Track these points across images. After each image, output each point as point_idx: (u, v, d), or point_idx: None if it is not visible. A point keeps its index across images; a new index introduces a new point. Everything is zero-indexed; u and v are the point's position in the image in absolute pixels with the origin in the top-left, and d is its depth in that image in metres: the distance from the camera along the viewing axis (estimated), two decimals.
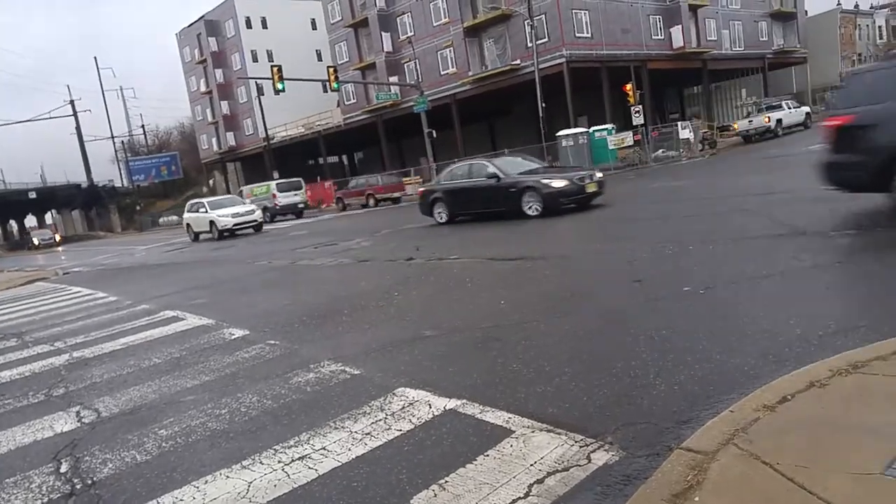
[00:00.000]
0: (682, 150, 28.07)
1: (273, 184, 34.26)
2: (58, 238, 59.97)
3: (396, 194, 32.39)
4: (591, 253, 7.69)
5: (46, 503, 3.10)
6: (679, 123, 30.22)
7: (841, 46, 57.75)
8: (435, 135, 35.15)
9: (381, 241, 13.72)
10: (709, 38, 42.29)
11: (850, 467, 2.24)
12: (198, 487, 2.99)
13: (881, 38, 66.07)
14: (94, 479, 3.29)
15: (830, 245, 6.00)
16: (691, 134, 29.11)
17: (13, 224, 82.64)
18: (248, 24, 60.93)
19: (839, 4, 60.09)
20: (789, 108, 32.51)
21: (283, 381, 4.42)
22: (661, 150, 28.60)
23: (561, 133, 28.89)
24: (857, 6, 63.90)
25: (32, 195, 63.57)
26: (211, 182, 71.75)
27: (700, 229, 8.40)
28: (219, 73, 62.94)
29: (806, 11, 53.30)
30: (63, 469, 3.47)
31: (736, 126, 33.38)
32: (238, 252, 17.14)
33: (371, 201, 31.62)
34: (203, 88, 65.98)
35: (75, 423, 4.20)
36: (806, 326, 3.93)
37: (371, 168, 48.97)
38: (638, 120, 29.05)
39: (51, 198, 67.77)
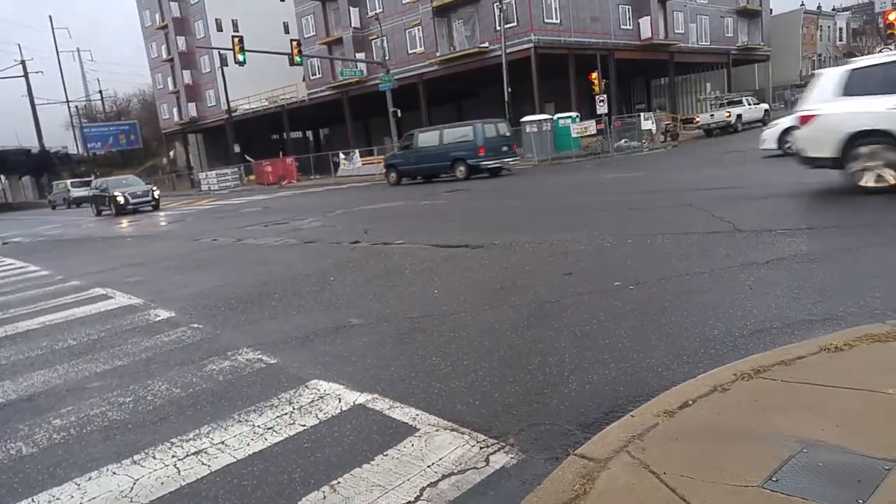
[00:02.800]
0: (644, 141, 28.37)
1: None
2: None
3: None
4: (529, 243, 7.65)
5: None
6: (642, 115, 30.49)
7: (802, 46, 59.17)
8: (400, 114, 34.71)
9: (332, 221, 13.49)
10: (676, 31, 42.73)
11: (731, 478, 2.23)
12: (79, 485, 2.84)
13: (841, 39, 67.93)
14: None
15: (764, 244, 6.07)
16: (654, 125, 29.44)
17: None
18: None
19: (802, 5, 61.42)
20: (749, 104, 33.37)
21: (196, 369, 4.26)
22: (623, 140, 28.85)
23: (525, 119, 28.85)
24: (819, 7, 65.42)
25: None
26: (171, 153, 69.78)
27: (642, 223, 8.47)
28: (181, 40, 60.83)
29: (771, 10, 54.24)
30: None
31: (698, 119, 33.91)
32: (185, 228, 16.70)
33: None
34: (164, 56, 63.76)
35: None
36: (724, 327, 3.95)
37: (336, 146, 48.20)
38: (602, 109, 29.20)
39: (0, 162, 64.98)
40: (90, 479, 2.89)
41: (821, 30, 64.48)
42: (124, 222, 22.23)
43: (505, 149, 22.88)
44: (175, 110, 63.95)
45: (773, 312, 4.11)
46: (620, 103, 41.01)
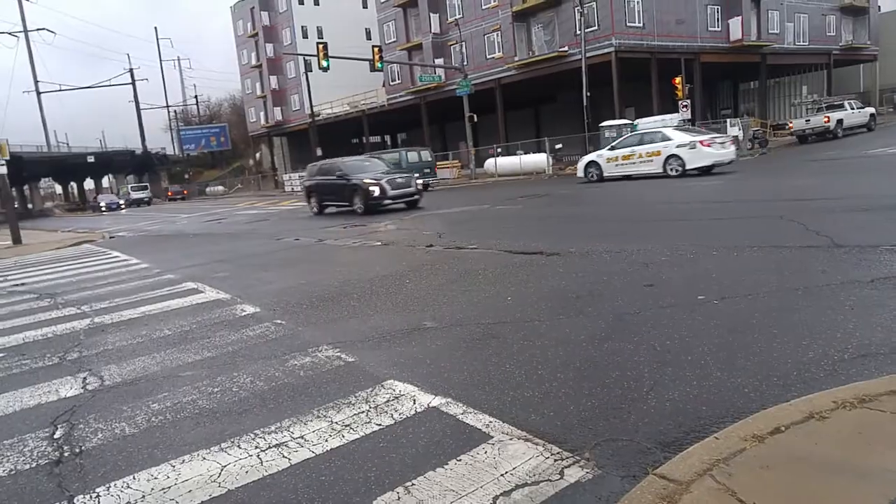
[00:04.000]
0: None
1: None
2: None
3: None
4: (608, 252, 7.47)
5: (34, 468, 3.18)
6: (728, 120, 29.17)
7: None
8: (476, 119, 34.81)
9: (407, 224, 13.71)
10: (770, 31, 40.42)
11: None
12: (174, 466, 3.03)
13: None
14: (82, 448, 3.38)
15: (868, 261, 5.66)
16: (740, 132, 28.06)
17: (73, 186, 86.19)
18: (301, 0, 61.41)
19: None
20: (852, 108, 30.64)
21: (279, 364, 4.44)
22: None
23: (604, 124, 28.27)
24: None
25: (91, 159, 66.14)
26: (258, 155, 73.03)
27: (727, 234, 8.09)
28: (269, 47, 63.77)
29: (879, 7, 50.27)
30: (57, 435, 3.58)
31: (791, 125, 31.92)
32: (269, 227, 17.43)
33: None
34: (253, 62, 67.01)
35: (79, 390, 4.34)
36: (820, 349, 3.71)
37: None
38: (685, 114, 28.16)
39: (108, 163, 70.38)
40: (183, 461, 3.07)
41: None
42: (214, 220, 23.46)
43: (427, 170, 28.94)
44: (262, 114, 67.00)
45: (880, 336, 3.80)
46: (705, 108, 39.42)
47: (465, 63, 36.29)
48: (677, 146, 18.70)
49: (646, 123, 26.07)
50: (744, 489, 2.27)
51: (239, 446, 3.16)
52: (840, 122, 29.49)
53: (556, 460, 2.74)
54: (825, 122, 29.38)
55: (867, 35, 48.05)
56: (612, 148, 20.89)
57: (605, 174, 20.68)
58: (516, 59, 36.88)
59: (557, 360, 3.98)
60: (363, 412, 3.44)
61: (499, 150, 33.99)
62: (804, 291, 4.96)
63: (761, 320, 4.35)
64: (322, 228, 14.80)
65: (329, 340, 4.89)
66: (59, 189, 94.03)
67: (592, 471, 2.64)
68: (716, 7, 37.37)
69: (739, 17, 37.20)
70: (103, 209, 51.88)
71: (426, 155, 30.69)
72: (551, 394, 3.48)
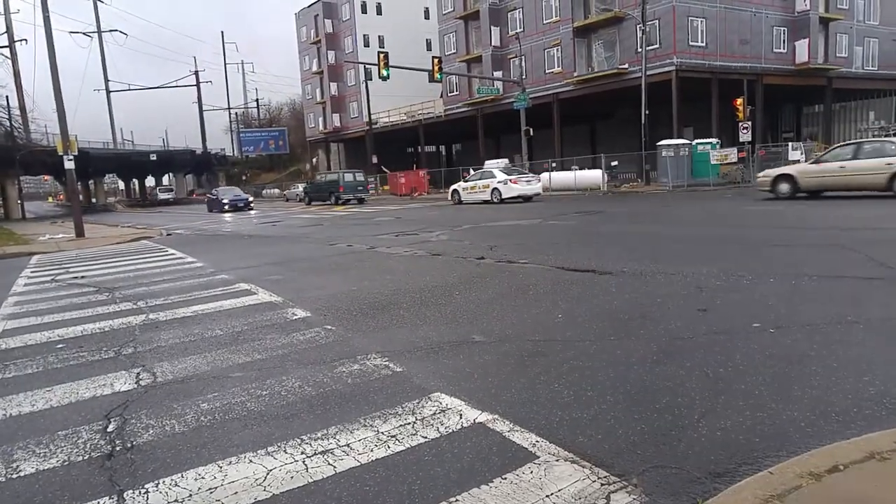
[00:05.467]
0: None
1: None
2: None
3: None
4: (662, 273, 7.32)
5: (87, 460, 3.29)
6: (790, 144, 28.26)
7: None
8: (532, 133, 34.76)
9: (459, 235, 13.76)
10: (838, 55, 39.16)
11: None
12: (221, 467, 3.09)
13: None
14: (134, 442, 3.47)
15: None
16: (802, 156, 27.12)
17: (135, 182, 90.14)
18: (364, 9, 62.89)
19: None
20: None
21: (327, 370, 4.52)
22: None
23: (662, 143, 27.79)
24: None
25: (153, 157, 69.04)
26: (314, 160, 74.83)
27: (785, 260, 7.82)
28: (331, 54, 65.43)
29: None
30: (110, 428, 3.69)
31: None
32: (322, 232, 17.79)
33: None
34: (315, 68, 68.82)
35: (133, 385, 4.48)
36: (882, 386, 3.55)
37: (467, 161, 49.21)
38: (745, 136, 27.41)
39: (169, 161, 73.38)
40: (230, 463, 3.13)
41: None
42: (269, 222, 24.12)
43: (360, 188, 37.59)
44: (320, 119, 68.71)
45: None
46: (766, 131, 38.22)
47: (523, 77, 36.31)
48: (498, 182, 25.92)
49: (488, 165, 33.27)
50: None
51: (285, 451, 3.21)
52: None
53: (602, 484, 2.71)
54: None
55: None
56: (467, 181, 28.66)
57: (463, 199, 27.88)
58: (575, 74, 36.74)
59: (607, 382, 3.93)
60: (409, 423, 3.47)
61: (553, 164, 33.81)
62: (865, 325, 4.76)
63: (819, 352, 4.20)
64: (374, 236, 15.01)
65: (378, 349, 4.95)
66: (121, 185, 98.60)
67: (640, 497, 2.59)
68: (782, 29, 36.41)
69: (806, 40, 36.13)
70: (226, 206, 37.73)
71: (360, 177, 39.12)
72: (600, 416, 3.43)
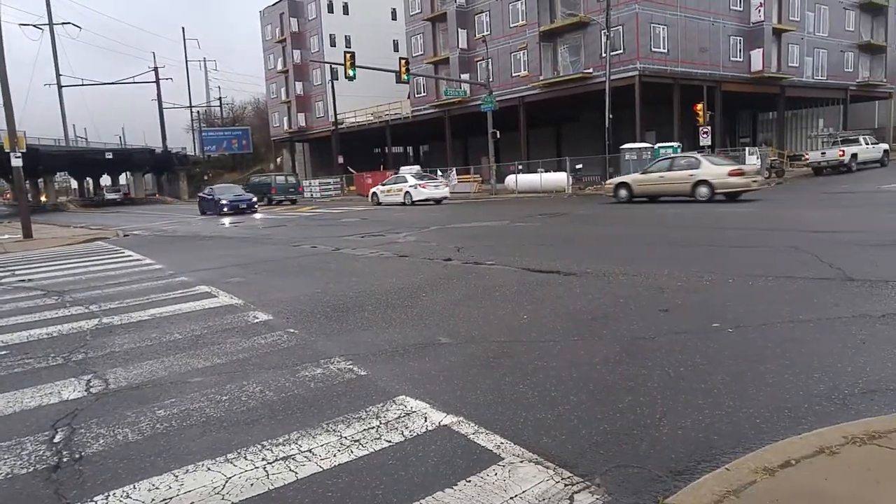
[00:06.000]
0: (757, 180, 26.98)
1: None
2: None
3: None
4: (624, 274, 7.44)
5: (31, 473, 3.13)
6: (747, 149, 29.13)
7: None
8: (499, 135, 34.96)
9: (426, 237, 13.73)
10: (790, 65, 40.67)
11: None
12: (177, 477, 2.99)
13: None
14: (83, 453, 3.33)
15: (879, 295, 5.60)
16: (758, 161, 27.98)
17: (89, 181, 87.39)
18: (330, 9, 62.31)
19: None
20: (867, 143, 31.06)
21: (290, 374, 4.44)
22: None
23: (625, 146, 28.25)
24: None
25: (109, 156, 66.95)
26: (279, 160, 73.84)
27: (742, 262, 8.04)
28: (297, 53, 64.63)
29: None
30: (57, 439, 3.53)
31: (807, 156, 31.92)
32: (286, 233, 17.56)
33: None
34: (280, 67, 67.92)
35: (83, 392, 4.30)
36: (831, 382, 3.68)
37: (435, 162, 49.22)
38: (705, 141, 28.11)
39: (126, 160, 71.32)
40: (187, 472, 3.02)
41: None
42: (227, 222, 23.70)
43: (291, 190, 40.88)
44: (285, 119, 67.80)
45: (890, 372, 3.78)
46: (724, 136, 39.30)
47: (490, 79, 36.49)
48: (410, 186, 29.02)
49: (403, 171, 35.43)
50: None
51: (245, 458, 3.13)
52: (854, 156, 29.64)
53: (566, 485, 2.72)
54: (840, 156, 29.48)
55: (884, 73, 48.24)
56: (384, 185, 31.68)
57: (381, 201, 30.74)
58: (541, 78, 37.06)
59: (570, 383, 3.96)
60: (373, 427, 3.43)
61: (520, 166, 34.06)
62: (816, 323, 4.92)
63: (774, 350, 4.32)
64: (339, 237, 14.87)
65: (342, 352, 4.89)
66: (74, 184, 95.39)
67: (602, 497, 2.62)
68: (739, 38, 37.60)
69: (761, 49, 37.40)
70: (225, 209, 30.43)
71: (291, 180, 42.80)
72: (563, 416, 3.46)
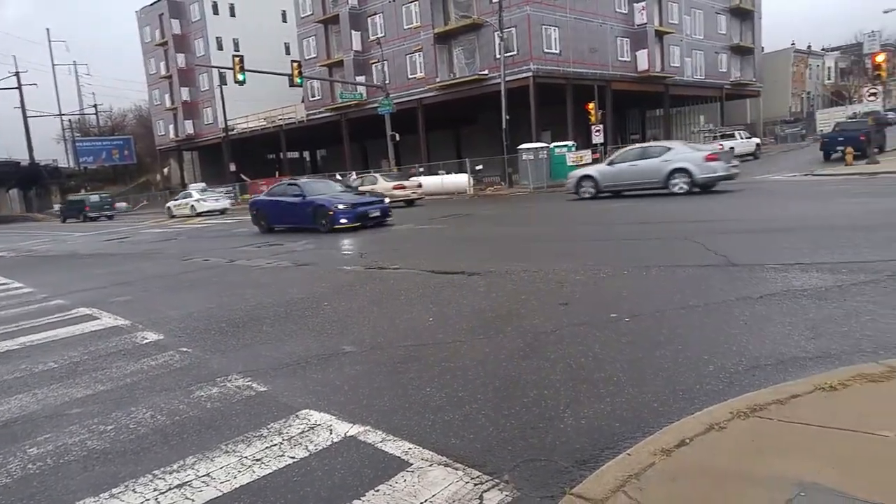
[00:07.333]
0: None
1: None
2: None
3: None
4: (526, 271, 7.62)
5: None
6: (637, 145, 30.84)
7: (792, 83, 60.37)
8: (398, 138, 34.90)
9: (327, 243, 13.42)
10: (672, 65, 43.55)
11: None
12: None
13: (829, 78, 69.32)
14: None
15: (758, 279, 6.07)
16: None
17: None
18: (216, 10, 59.61)
19: (793, 44, 62.76)
20: (742, 137, 34.08)
21: (183, 395, 4.17)
22: None
23: (522, 146, 29.07)
24: (809, 47, 66.80)
25: None
26: (166, 170, 69.76)
27: (636, 254, 8.48)
28: (180, 57, 61.23)
29: (762, 48, 55.42)
30: None
31: None
32: (177, 246, 16.59)
33: None
34: (163, 72, 64.10)
35: None
36: (718, 363, 3.93)
37: (334, 167, 48.37)
38: (598, 138, 29.47)
39: None
40: None
41: (810, 68, 65.83)
42: (115, 239, 22.05)
43: (106, 207, 44.71)
44: (171, 127, 64.13)
45: (768, 349, 4.09)
46: (616, 133, 41.45)
47: (387, 82, 36.36)
48: (194, 200, 34.80)
49: (191, 188, 41.29)
50: (654, 502, 2.36)
51: (134, 490, 2.91)
52: (732, 149, 32.17)
53: (475, 485, 2.72)
54: (720, 149, 31.89)
55: (753, 73, 52.91)
56: (175, 199, 37.19)
57: (174, 214, 34.88)
58: (438, 80, 37.39)
59: (478, 382, 3.98)
60: (276, 445, 3.28)
61: (420, 169, 34.17)
62: (704, 308, 5.25)
63: (668, 336, 4.56)
64: (235, 248, 14.22)
65: (240, 369, 4.65)
66: None
67: (512, 493, 2.64)
68: (625, 39, 39.81)
69: (646, 50, 39.81)
70: (343, 221, 15.81)
71: (107, 197, 46.96)
72: (471, 416, 3.46)
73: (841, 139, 24.67)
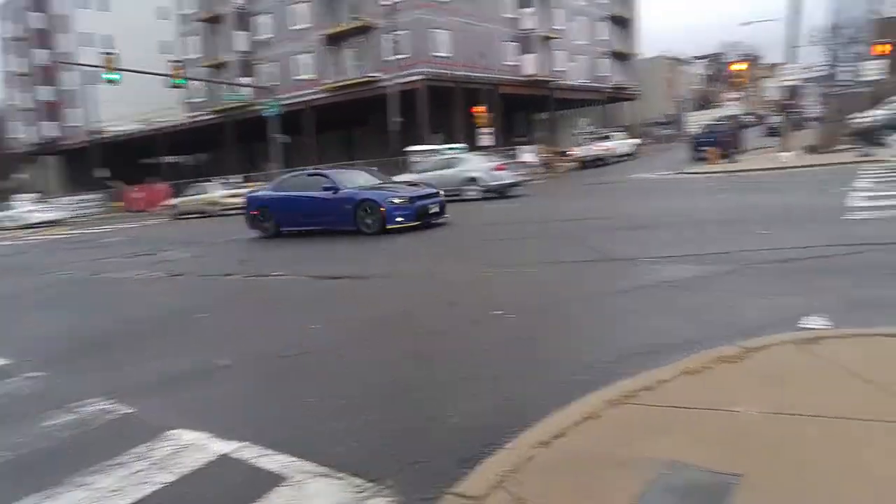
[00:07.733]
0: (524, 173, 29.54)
1: None
2: None
3: None
4: (413, 274, 7.63)
5: None
6: (524, 147, 31.95)
7: (667, 88, 65.31)
8: (290, 140, 33.88)
9: (206, 252, 12.66)
10: (557, 69, 45.39)
11: None
12: None
13: (697, 84, 75.73)
14: None
15: (631, 272, 6.41)
16: (535, 157, 30.81)
17: None
18: (84, 3, 55.03)
19: (664, 52, 68.00)
20: (621, 139, 36.04)
21: (31, 426, 3.71)
22: None
23: (410, 149, 29.15)
24: (680, 55, 72.61)
25: None
26: (23, 176, 63.30)
27: (518, 253, 8.74)
28: (42, 53, 55.95)
29: (639, 54, 59.48)
30: None
31: (572, 152, 36.05)
32: (31, 260, 15.04)
33: None
34: (22, 69, 58.30)
35: None
36: (594, 354, 4.07)
37: (216, 170, 46.08)
38: (485, 141, 30.15)
39: None
40: None
41: (681, 74, 71.45)
42: None
43: None
44: (31, 129, 58.39)
45: (637, 339, 4.27)
46: (504, 135, 42.67)
47: (276, 83, 35.17)
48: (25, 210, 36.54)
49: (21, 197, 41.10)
50: (532, 495, 2.38)
51: None
52: (611, 150, 34.17)
53: (358, 493, 2.63)
54: (600, 151, 33.71)
55: (632, 77, 56.37)
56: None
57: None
58: (327, 82, 36.72)
59: (363, 387, 3.88)
60: (139, 471, 2.99)
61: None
62: (582, 302, 5.47)
63: (549, 331, 4.70)
64: (100, 259, 13.04)
65: (101, 391, 4.20)
66: None
67: (395, 498, 2.57)
68: (513, 44, 41.04)
69: (532, 55, 41.21)
70: (399, 219, 12.33)
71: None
72: (356, 423, 3.35)
73: (707, 140, 26.66)
